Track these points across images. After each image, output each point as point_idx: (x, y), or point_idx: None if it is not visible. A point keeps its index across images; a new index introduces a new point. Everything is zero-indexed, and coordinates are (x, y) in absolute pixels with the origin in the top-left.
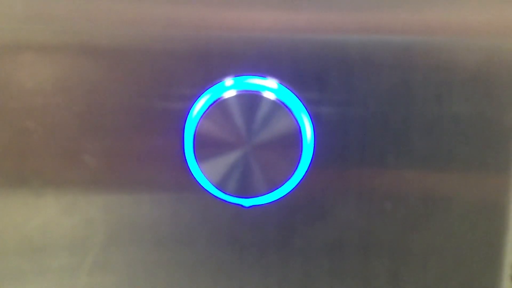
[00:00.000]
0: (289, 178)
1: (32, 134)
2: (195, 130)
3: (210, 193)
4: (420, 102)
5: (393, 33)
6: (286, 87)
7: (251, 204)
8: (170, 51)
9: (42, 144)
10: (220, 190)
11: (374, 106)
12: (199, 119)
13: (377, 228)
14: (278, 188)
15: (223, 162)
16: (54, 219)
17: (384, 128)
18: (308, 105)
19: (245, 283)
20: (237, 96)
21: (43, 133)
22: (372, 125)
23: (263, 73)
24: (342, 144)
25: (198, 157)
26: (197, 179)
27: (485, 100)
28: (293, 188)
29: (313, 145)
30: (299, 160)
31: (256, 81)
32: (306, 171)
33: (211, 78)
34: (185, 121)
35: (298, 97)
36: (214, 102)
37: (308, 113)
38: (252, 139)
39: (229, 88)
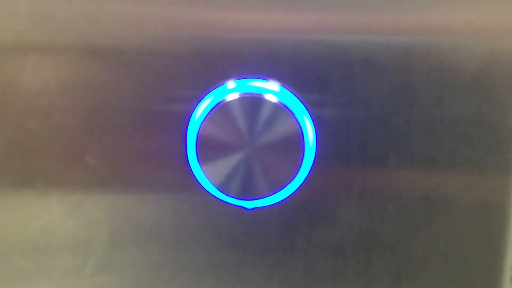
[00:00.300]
0: (291, 180)
1: (36, 135)
2: (198, 132)
3: (213, 195)
4: (421, 103)
5: (395, 34)
6: (288, 89)
7: (253, 206)
8: (173, 53)
9: (46, 145)
10: (223, 192)
11: (376, 108)
12: (202, 121)
13: (379, 229)
14: (280, 190)
15: (226, 164)
16: (58, 220)
17: (386, 130)
18: (310, 107)
19: (248, 284)
20: (239, 99)
21: (46, 134)
22: (373, 126)
23: (265, 75)
24: (344, 146)
25: (200, 159)
26: (199, 181)
27: (487, 101)
28: (295, 190)
29: (315, 147)
30: (301, 162)
31: (258, 84)
32: (308, 173)
33: (214, 80)
34: (188, 123)
35: (300, 100)
36: (217, 104)
37: (310, 115)
38: (254, 141)
39: (231, 90)
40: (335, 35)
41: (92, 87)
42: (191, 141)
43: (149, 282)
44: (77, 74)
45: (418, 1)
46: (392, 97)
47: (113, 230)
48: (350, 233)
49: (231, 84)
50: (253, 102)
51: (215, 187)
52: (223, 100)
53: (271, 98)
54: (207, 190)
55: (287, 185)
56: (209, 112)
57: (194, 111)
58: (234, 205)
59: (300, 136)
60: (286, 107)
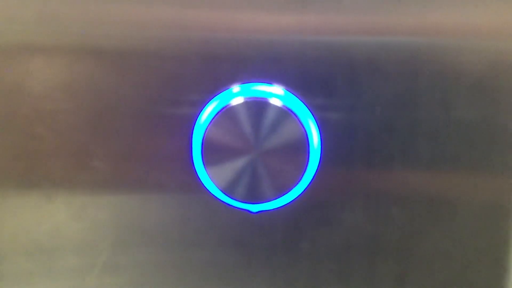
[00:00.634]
0: (296, 184)
1: (42, 139)
2: (203, 136)
3: (218, 198)
4: (426, 107)
5: (399, 38)
6: (292, 93)
7: (258, 210)
8: (179, 56)
9: (52, 148)
10: (228, 196)
11: (381, 111)
12: (208, 126)
13: (383, 232)
14: (285, 194)
15: (231, 168)
16: (64, 222)
17: (391, 133)
18: (315, 111)
19: (253, 287)
20: (244, 103)
21: (53, 137)
22: (378, 130)
23: (270, 79)
24: (349, 149)
25: (206, 163)
26: (205, 184)
27: (491, 104)
28: (300, 194)
29: (320, 151)
30: (306, 166)
31: (263, 88)
32: (313, 177)
33: (219, 84)
34: (193, 127)
35: (304, 103)
36: (222, 108)
37: (315, 118)
38: (259, 145)
39: (236, 95)
40: (340, 38)
41: (98, 90)
42: (196, 145)
43: (155, 284)
44: (83, 78)
45: (424, 4)
46: (397, 100)
47: (119, 232)
48: (354, 236)
49: (236, 88)
50: (258, 106)
51: (221, 190)
52: (228, 104)
53: (276, 102)
54: (212, 194)
55: (292, 189)
56: (214, 116)
57: (200, 115)
58: (239, 208)
59: (305, 140)
60: (291, 111)
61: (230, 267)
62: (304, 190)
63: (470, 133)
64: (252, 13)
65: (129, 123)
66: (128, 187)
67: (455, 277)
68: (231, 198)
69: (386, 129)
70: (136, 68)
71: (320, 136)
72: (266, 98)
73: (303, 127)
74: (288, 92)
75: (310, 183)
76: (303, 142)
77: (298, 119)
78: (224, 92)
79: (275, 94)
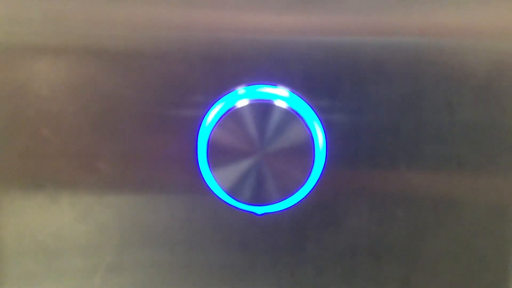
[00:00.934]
0: (302, 186)
1: (47, 140)
2: (209, 138)
3: (223, 200)
4: (431, 108)
5: (405, 39)
6: (297, 95)
7: (263, 212)
8: (184, 58)
9: (57, 150)
10: (233, 198)
11: (386, 113)
12: (213, 128)
13: (388, 233)
14: (290, 196)
15: (236, 169)
16: (69, 224)
17: (396, 135)
18: (320, 112)
19: None
20: (249, 105)
21: (58, 139)
22: (383, 132)
23: (275, 80)
24: (354, 151)
25: (211, 165)
26: (210, 186)
27: (496, 106)
28: (306, 196)
29: (325, 153)
30: (312, 168)
31: (268, 90)
32: (319, 179)
33: (225, 86)
34: (199, 129)
35: (309, 105)
36: (228, 111)
37: (320, 120)
38: (264, 147)
39: (241, 97)
40: (344, 40)
41: (103, 91)
42: (201, 147)
43: (160, 286)
44: (88, 79)
45: (429, 5)
46: (402, 102)
47: (124, 234)
48: (360, 237)
49: (241, 90)
50: (263, 108)
51: (226, 192)
52: (234, 107)
53: (281, 104)
54: (217, 196)
55: (297, 191)
56: (219, 118)
57: (205, 117)
58: (245, 210)
59: (310, 142)
60: (296, 112)
61: (235, 269)
62: (309, 192)
63: (475, 135)
64: (257, 14)
65: (134, 124)
66: (133, 188)
67: (460, 278)
68: (236, 200)
69: (391, 131)
70: (141, 70)
71: (325, 138)
72: (271, 100)
73: (308, 129)
74: (293, 94)
75: (315, 185)
76: (308, 144)
77: (304, 121)
78: (229, 94)
79: (280, 96)
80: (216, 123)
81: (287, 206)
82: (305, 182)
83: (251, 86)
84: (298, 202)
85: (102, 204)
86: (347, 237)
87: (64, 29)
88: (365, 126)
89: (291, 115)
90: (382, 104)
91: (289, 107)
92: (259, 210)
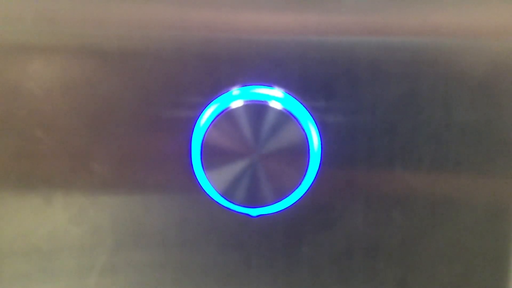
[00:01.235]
0: (297, 187)
1: (40, 141)
2: (203, 139)
3: (217, 202)
4: (428, 109)
5: (401, 40)
6: (292, 96)
7: (258, 214)
8: (178, 59)
9: (51, 150)
10: (227, 200)
11: (381, 114)
12: (207, 128)
13: (385, 235)
14: (285, 197)
15: (230, 171)
16: (63, 225)
17: (392, 136)
18: (315, 114)
19: None
20: (244, 106)
21: (51, 139)
22: (379, 133)
23: (269, 81)
24: (350, 152)
25: (205, 166)
26: (204, 188)
27: (493, 106)
28: (301, 197)
29: (320, 154)
30: (307, 169)
31: (262, 91)
32: (314, 180)
33: (219, 86)
34: (193, 129)
35: (304, 106)
36: (222, 112)
37: (315, 122)
38: (259, 148)
39: (236, 97)
40: (340, 40)
41: (97, 92)
42: (195, 148)
43: (154, 287)
44: (82, 79)
45: (426, 5)
46: (398, 102)
47: (118, 235)
48: (356, 239)
49: (235, 91)
50: (257, 109)
51: (220, 194)
52: (228, 107)
53: (276, 105)
54: (211, 197)
55: (292, 192)
56: (214, 119)
57: (199, 118)
58: (239, 212)
59: (305, 143)
60: (291, 113)
61: (230, 271)
62: (304, 193)
63: (473, 135)
64: (253, 14)
65: (128, 125)
66: (127, 189)
67: (457, 280)
68: (231, 202)
69: (387, 132)
70: (136, 70)
71: (321, 139)
72: (266, 101)
73: (303, 130)
74: (288, 95)
75: (310, 186)
76: (303, 145)
77: (298, 122)
78: (223, 94)
79: (275, 97)
80: (210, 124)
81: (282, 208)
82: (300, 184)
83: (246, 87)
84: (293, 204)
85: (96, 205)
86: (343, 238)
87: (58, 28)
88: (360, 127)
89: (286, 116)
90: (378, 105)
91: (284, 108)
92: (254, 212)
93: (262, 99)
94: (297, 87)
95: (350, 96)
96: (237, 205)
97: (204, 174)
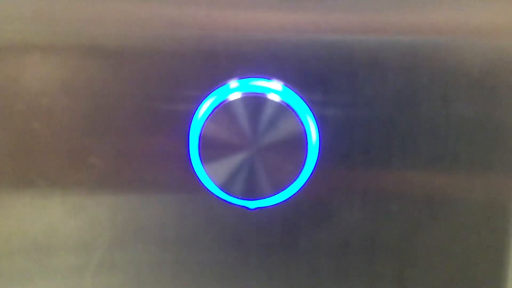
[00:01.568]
0: (295, 180)
1: (38, 136)
2: (201, 132)
3: (215, 195)
4: (425, 103)
5: (399, 34)
6: (291, 89)
7: (256, 206)
8: (175, 52)
9: (48, 145)
10: (225, 192)
11: (380, 108)
12: (205, 121)
13: (382, 229)
14: (283, 190)
15: (228, 164)
16: (60, 220)
17: (390, 130)
18: (313, 107)
19: (250, 285)
20: (242, 99)
21: (49, 134)
22: (377, 126)
23: (268, 75)
24: (348, 145)
25: (203, 159)
26: (202, 181)
27: (491, 101)
28: (298, 190)
29: (318, 147)
30: (305, 162)
31: (261, 83)
32: (312, 173)
33: (217, 79)
34: (191, 123)
35: (303, 99)
36: (220, 104)
37: (313, 115)
38: (257, 141)
39: (234, 90)
40: (339, 34)
41: (94, 87)
42: (193, 141)
43: (152, 282)
44: (79, 74)
45: (423, 2)
46: (396, 97)
47: (116, 230)
48: (353, 233)
49: (233, 83)
50: (256, 101)
51: (218, 187)
52: (226, 100)
53: (274, 97)
54: (209, 190)
55: (290, 185)
56: (211, 112)
57: (197, 110)
58: (237, 205)
59: (303, 136)
60: (289, 106)
61: (228, 264)
62: (302, 186)
63: (470, 130)
64: (251, 10)
65: (126, 119)
66: (124, 184)
67: (454, 275)
68: (229, 194)
69: (385, 126)
70: (132, 65)
71: (319, 132)
72: (264, 94)
73: (302, 123)
74: (287, 88)
75: (308, 179)
76: (301, 138)
77: (297, 115)
78: (221, 87)
79: (273, 89)
80: (208, 116)
81: (280, 201)
82: (298, 177)
83: (244, 79)
84: (291, 197)
85: (94, 200)
86: (341, 232)
87: (56, 25)
88: (359, 121)
89: (284, 109)
90: (376, 99)
91: (282, 101)
92: (252, 204)
93: (261, 92)
94: (295, 80)
95: (348, 89)
96: (235, 197)
97: (202, 167)
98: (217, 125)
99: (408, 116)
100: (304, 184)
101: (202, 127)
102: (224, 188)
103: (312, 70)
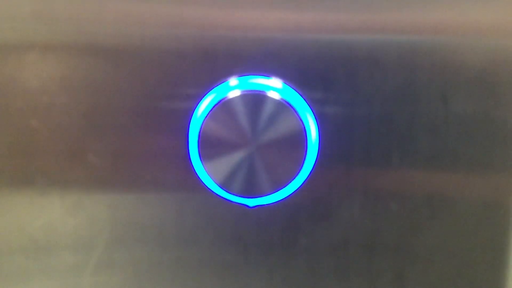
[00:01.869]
0: (294, 178)
1: (37, 134)
2: (200, 130)
3: (215, 193)
4: (425, 102)
5: (399, 33)
6: (291, 86)
7: (255, 204)
8: (175, 50)
9: (47, 143)
10: (225, 190)
11: (379, 106)
12: (204, 119)
13: (382, 227)
14: (282, 188)
15: (228, 162)
16: (59, 219)
17: (389, 128)
18: (313, 104)
19: (250, 283)
20: (241, 96)
21: (48, 132)
22: (377, 125)
23: (268, 73)
24: (347, 143)
25: (202, 157)
26: (201, 179)
27: (490, 99)
28: (298, 188)
29: (318, 145)
30: (304, 160)
31: (260, 81)
32: (311, 171)
33: (216, 77)
34: (190, 120)
35: (302, 97)
36: (219, 102)
37: (313, 112)
38: (256, 139)
39: (233, 88)
40: (338, 33)
41: (93, 85)
42: (193, 139)
43: (151, 281)
44: (79, 72)
45: (422, 0)
46: (396, 95)
47: (115, 228)
48: (353, 231)
49: (233, 81)
50: (255, 99)
51: (217, 185)
52: (225, 98)
53: (274, 95)
54: (209, 188)
55: (289, 183)
56: (211, 110)
57: (196, 108)
58: (236, 203)
59: (302, 134)
60: (289, 104)
61: (227, 263)
62: (301, 184)
63: (470, 129)
64: (250, 8)
65: (125, 117)
66: (123, 182)
67: (454, 274)
68: (228, 192)
69: (385, 124)
70: (132, 63)
71: (318, 130)
72: (263, 91)
73: (301, 121)
74: (286, 85)
75: (307, 177)
76: (301, 136)
77: (296, 112)
78: (221, 85)
79: (273, 87)
80: (208, 114)
81: (279, 199)
82: (298, 174)
83: (244, 76)
84: (290, 195)
85: (93, 198)
86: (340, 230)
87: (55, 23)
88: (358, 119)
89: (284, 107)
90: (376, 97)
91: (282, 99)
92: (251, 202)
93: (260, 89)
94: (295, 78)
95: (348, 87)
96: (235, 195)
97: (201, 165)
98: (217, 123)
99: (407, 114)
100: (304, 182)
101: (202, 125)
102: (223, 186)
103: (312, 68)
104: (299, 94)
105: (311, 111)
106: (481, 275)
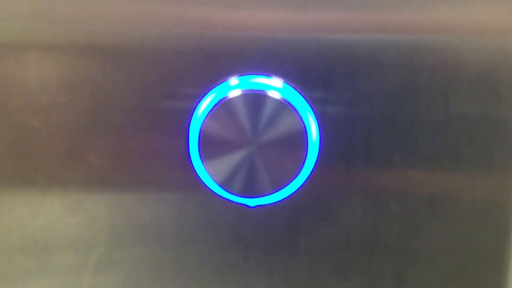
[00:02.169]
0: (295, 178)
1: (37, 133)
2: (200, 129)
3: (215, 192)
4: (426, 101)
5: (399, 32)
6: (291, 86)
7: (256, 204)
8: (175, 50)
9: (47, 143)
10: (225, 190)
11: (380, 106)
12: (204, 119)
13: (382, 227)
14: (283, 188)
15: (228, 161)
16: (59, 218)
17: (390, 128)
18: (314, 104)
19: (250, 283)
20: (242, 96)
21: (48, 132)
22: (378, 124)
23: (268, 72)
24: (348, 143)
25: (203, 157)
26: (202, 178)
27: (492, 99)
28: (299, 188)
29: (318, 145)
30: (305, 160)
31: (261, 80)
32: (312, 171)
33: (217, 77)
34: (190, 120)
35: (303, 96)
36: (219, 101)
37: (314, 112)
38: (257, 138)
39: (234, 87)
40: (339, 32)
41: (93, 84)
42: (193, 139)
43: (151, 281)
44: (79, 72)
45: (424, 1)
46: (396, 94)
47: (115, 228)
48: (353, 231)
49: (233, 80)
50: (256, 98)
51: (218, 184)
52: (226, 97)
53: (274, 94)
54: (209, 188)
55: (290, 183)
56: (211, 109)
57: (196, 108)
58: (237, 202)
59: (303, 133)
60: (290, 104)
61: (227, 263)
62: (302, 184)
63: (471, 128)
64: (251, 8)
65: (125, 117)
66: (124, 182)
67: (454, 273)
68: (229, 192)
69: (386, 124)
70: (132, 62)
71: (319, 129)
72: (264, 91)
73: (302, 121)
74: (287, 85)
75: (308, 177)
76: (302, 136)
77: (297, 112)
78: (221, 84)
79: (274, 86)
80: (208, 114)
81: (280, 199)
82: (298, 174)
83: (244, 76)
84: (291, 195)
85: (93, 198)
86: (341, 230)
87: (55, 23)
88: (359, 118)
89: (284, 106)
90: (376, 97)
91: (282, 98)
92: (252, 202)
93: (261, 89)
94: (295, 77)
95: (349, 87)
96: (235, 195)
97: (202, 165)
98: (217, 122)
99: (408, 114)
100: (304, 182)
101: (202, 125)
102: (224, 185)
103: (312, 68)
104: (299, 93)
105: (311, 110)
106: (482, 275)
